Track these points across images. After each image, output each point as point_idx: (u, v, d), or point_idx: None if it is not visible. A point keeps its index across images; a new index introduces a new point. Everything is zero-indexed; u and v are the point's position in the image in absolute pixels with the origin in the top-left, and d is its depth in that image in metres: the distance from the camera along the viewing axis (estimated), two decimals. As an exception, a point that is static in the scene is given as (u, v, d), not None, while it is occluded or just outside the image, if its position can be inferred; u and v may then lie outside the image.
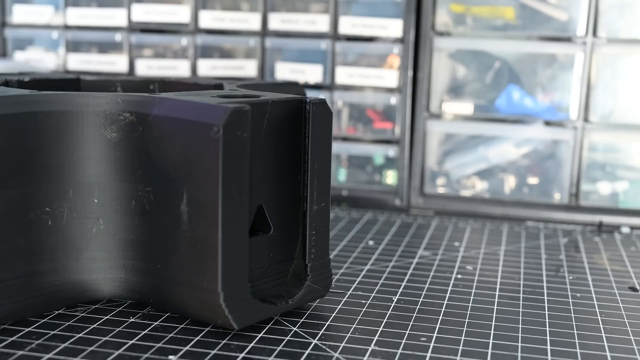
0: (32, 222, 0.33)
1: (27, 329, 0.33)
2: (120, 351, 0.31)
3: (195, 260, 0.32)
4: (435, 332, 0.34)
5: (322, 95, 0.63)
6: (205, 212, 0.31)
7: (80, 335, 0.33)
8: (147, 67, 0.67)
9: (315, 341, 0.33)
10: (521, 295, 0.40)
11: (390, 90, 0.62)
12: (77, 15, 0.68)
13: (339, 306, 0.37)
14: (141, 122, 0.33)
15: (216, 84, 0.43)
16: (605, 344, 0.34)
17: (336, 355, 0.31)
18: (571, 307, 0.38)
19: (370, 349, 0.32)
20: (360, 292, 0.40)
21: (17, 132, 0.32)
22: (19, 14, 0.69)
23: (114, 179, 0.34)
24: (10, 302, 0.32)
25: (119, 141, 0.34)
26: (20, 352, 0.31)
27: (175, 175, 0.32)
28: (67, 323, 0.34)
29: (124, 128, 0.34)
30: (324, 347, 0.32)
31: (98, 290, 0.35)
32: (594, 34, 0.58)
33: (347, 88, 0.63)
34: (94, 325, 0.34)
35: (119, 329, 0.33)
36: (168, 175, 0.33)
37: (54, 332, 0.33)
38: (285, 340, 0.33)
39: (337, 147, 0.63)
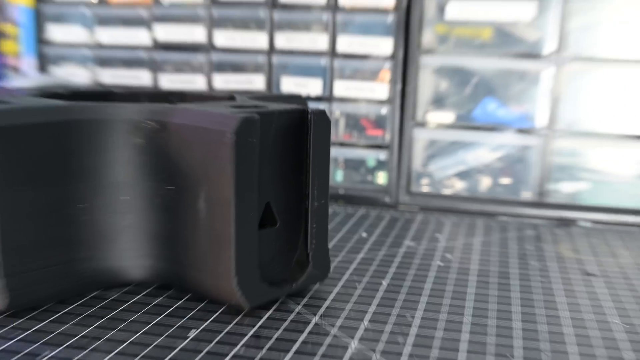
0: (70, 216, 0.33)
1: (66, 309, 0.34)
2: (146, 328, 0.32)
3: (212, 250, 0.33)
4: (419, 310, 0.35)
5: (321, 106, 0.63)
6: (220, 209, 0.32)
7: (112, 314, 0.33)
8: (168, 81, 0.67)
9: (315, 318, 0.34)
10: (494, 280, 0.41)
11: (381, 102, 0.62)
12: (106, 35, 0.68)
13: (337, 288, 0.38)
14: (163, 129, 0.34)
15: (229, 96, 0.43)
16: (566, 321, 0.34)
17: (334, 330, 0.32)
18: (537, 291, 0.39)
19: (363, 325, 0.33)
20: (354, 277, 0.40)
21: (57, 138, 0.32)
22: (55, 34, 0.70)
23: (140, 179, 0.35)
24: (51, 285, 0.33)
25: (144, 146, 0.35)
26: (59, 330, 0.31)
27: (194, 176, 0.33)
28: (101, 304, 0.35)
29: (148, 134, 0.34)
30: (323, 323, 0.33)
31: (128, 276, 0.36)
32: (561, 52, 0.58)
33: (343, 100, 0.63)
34: (124, 306, 0.34)
35: (146, 308, 0.34)
36: (187, 176, 0.33)
37: (89, 312, 0.34)
38: (289, 318, 0.33)
39: (334, 152, 0.63)
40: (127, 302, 0.35)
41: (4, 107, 0.31)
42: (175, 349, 0.30)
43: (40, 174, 0.32)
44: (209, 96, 0.45)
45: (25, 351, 0.29)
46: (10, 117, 0.31)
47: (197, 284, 0.34)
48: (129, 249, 0.35)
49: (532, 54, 0.59)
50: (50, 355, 0.29)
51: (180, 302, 0.35)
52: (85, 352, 0.29)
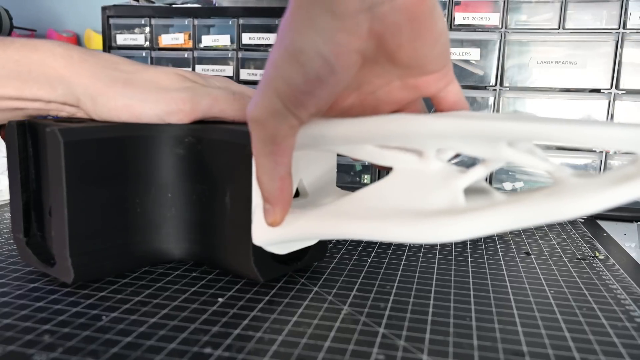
0: (127, 209, 0.32)
1: (122, 281, 0.32)
2: (185, 295, 0.31)
3: (235, 236, 0.32)
4: (396, 282, 0.34)
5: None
6: (242, 203, 0.31)
7: (159, 284, 0.32)
8: (205, 106, 0.66)
9: (316, 289, 0.32)
10: (453, 257, 0.40)
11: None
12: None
13: (332, 265, 0.37)
14: (199, 142, 0.33)
15: None
16: (509, 290, 0.33)
17: (330, 298, 0.31)
18: (486, 265, 0.38)
19: (353, 293, 0.32)
20: (345, 256, 0.39)
21: (118, 149, 0.31)
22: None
23: (181, 180, 0.34)
24: (110, 264, 0.32)
25: (184, 155, 0.33)
26: (119, 296, 0.30)
27: (221, 178, 0.32)
28: (151, 276, 0.33)
29: (188, 147, 0.33)
30: (322, 292, 0.32)
31: (170, 256, 0.35)
32: (501, 84, 0.58)
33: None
34: (168, 278, 0.33)
35: (185, 280, 0.33)
36: (216, 178, 0.32)
37: (142, 282, 0.32)
38: (296, 288, 0.32)
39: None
40: (170, 275, 0.34)
41: (78, 125, 0.30)
42: (207, 311, 0.28)
43: (103, 177, 0.31)
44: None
45: (89, 315, 0.28)
46: (82, 133, 0.30)
47: (223, 262, 0.33)
48: (171, 234, 0.34)
49: (480, 86, 0.58)
50: (109, 317, 0.27)
51: (211, 275, 0.34)
52: (136, 315, 0.28)
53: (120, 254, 0.32)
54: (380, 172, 0.61)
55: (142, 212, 0.33)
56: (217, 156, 0.32)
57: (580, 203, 0.20)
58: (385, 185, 0.25)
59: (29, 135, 0.32)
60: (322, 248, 0.36)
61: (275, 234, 0.29)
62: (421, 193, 0.24)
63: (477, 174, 0.23)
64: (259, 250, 0.31)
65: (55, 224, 0.30)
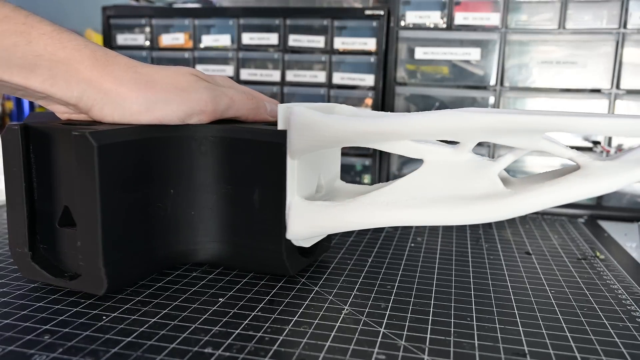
0: (153, 212, 0.31)
1: (142, 282, 0.32)
2: (186, 295, 0.31)
3: (266, 233, 0.32)
4: (397, 282, 0.34)
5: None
6: (274, 201, 0.31)
7: (159, 284, 0.32)
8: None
9: (317, 288, 0.32)
10: (453, 257, 0.39)
11: (366, 121, 0.61)
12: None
13: (332, 265, 0.37)
14: (222, 142, 0.33)
15: None
16: (510, 290, 0.33)
17: (331, 297, 0.31)
18: (487, 265, 0.38)
19: (353, 293, 0.32)
20: (346, 255, 0.39)
21: (144, 151, 0.30)
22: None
23: (204, 180, 0.33)
24: (140, 268, 0.31)
25: (208, 156, 0.33)
26: (119, 296, 0.30)
27: (248, 176, 0.32)
28: (151, 276, 0.33)
29: (211, 147, 0.33)
30: (323, 292, 0.32)
31: (191, 257, 0.34)
32: (501, 84, 0.58)
33: (337, 120, 0.62)
34: (169, 278, 0.33)
35: (185, 280, 0.33)
36: (244, 177, 0.32)
37: (142, 282, 0.32)
38: (296, 288, 0.32)
39: (331, 159, 0.62)
40: (171, 275, 0.34)
41: (105, 128, 0.29)
42: (208, 311, 0.28)
43: (130, 180, 0.30)
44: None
45: (89, 314, 0.28)
46: (112, 136, 0.28)
47: (249, 260, 0.33)
48: (192, 236, 0.33)
49: (480, 86, 0.58)
50: (109, 317, 0.27)
51: (211, 275, 0.34)
52: (137, 315, 0.28)
53: (147, 258, 0.31)
54: (381, 170, 0.61)
55: (167, 215, 0.32)
56: (245, 155, 0.32)
57: (614, 181, 0.23)
58: (421, 176, 0.28)
59: (30, 140, 0.30)
60: (328, 239, 0.37)
61: (315, 227, 0.30)
62: (460, 181, 0.26)
63: (507, 161, 0.26)
64: (288, 244, 0.32)
65: (81, 233, 0.28)
